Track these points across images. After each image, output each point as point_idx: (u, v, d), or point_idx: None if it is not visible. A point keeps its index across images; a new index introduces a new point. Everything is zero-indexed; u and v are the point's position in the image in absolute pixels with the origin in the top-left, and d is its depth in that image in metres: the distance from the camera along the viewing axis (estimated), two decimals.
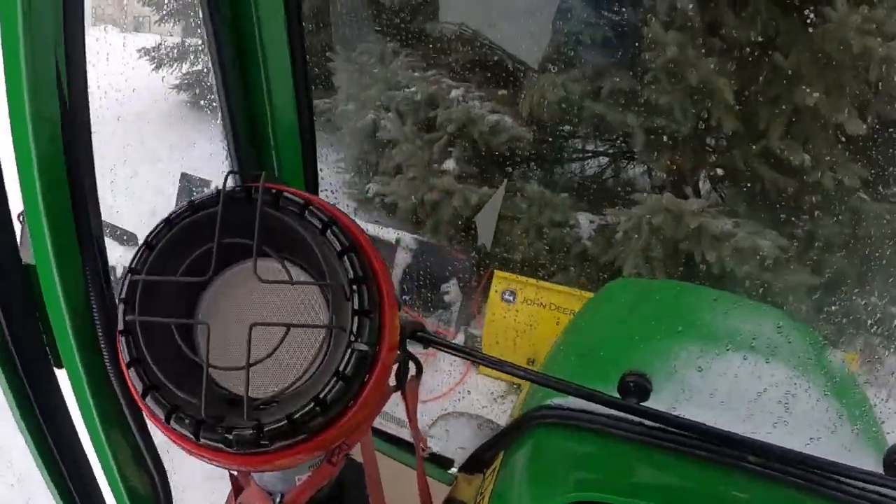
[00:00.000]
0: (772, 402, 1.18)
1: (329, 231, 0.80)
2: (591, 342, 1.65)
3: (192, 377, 0.79)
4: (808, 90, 4.66)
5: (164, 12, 9.84)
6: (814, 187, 4.86)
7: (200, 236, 0.80)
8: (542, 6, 5.26)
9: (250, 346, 0.75)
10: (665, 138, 4.95)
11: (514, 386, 4.80)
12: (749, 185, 4.99)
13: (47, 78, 0.76)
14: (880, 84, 4.71)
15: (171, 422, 0.78)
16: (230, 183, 0.80)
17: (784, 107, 4.82)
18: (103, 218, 0.89)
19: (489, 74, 5.92)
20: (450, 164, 5.57)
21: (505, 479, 1.21)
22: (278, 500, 1.07)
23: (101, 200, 0.98)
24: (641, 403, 1.10)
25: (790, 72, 4.76)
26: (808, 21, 4.72)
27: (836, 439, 1.17)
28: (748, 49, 4.88)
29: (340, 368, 0.77)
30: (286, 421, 0.76)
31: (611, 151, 6.32)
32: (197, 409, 0.77)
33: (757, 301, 3.17)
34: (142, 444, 1.05)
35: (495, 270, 5.03)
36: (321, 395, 0.77)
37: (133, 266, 0.80)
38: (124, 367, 0.79)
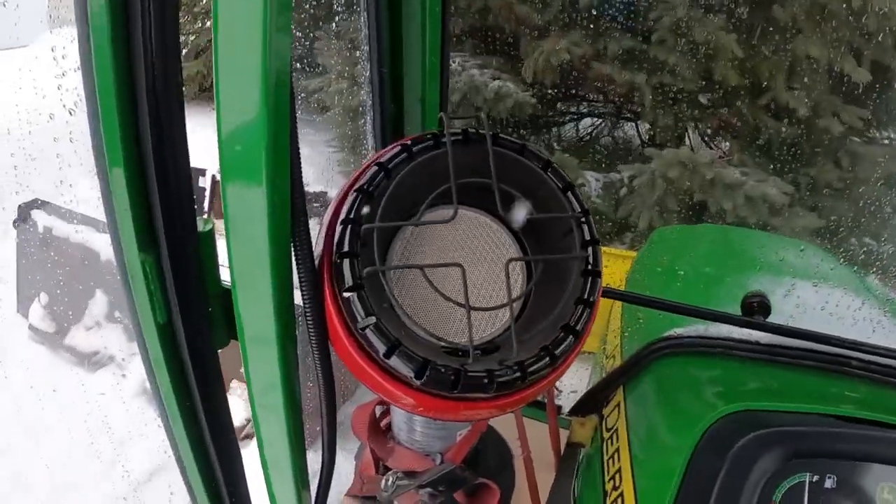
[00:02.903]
0: (863, 311, 1.33)
1: (549, 170, 0.78)
2: (668, 285, 1.69)
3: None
4: (806, 41, 4.72)
5: None
6: (816, 135, 4.93)
7: (417, 182, 0.76)
8: None
9: (509, 283, 0.72)
10: (675, 93, 5.01)
11: None
12: (754, 136, 5.06)
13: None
14: (880, 35, 4.80)
15: (426, 374, 0.70)
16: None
17: (784, 59, 4.89)
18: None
19: (488, 42, 5.89)
20: None
21: (636, 413, 1.23)
22: (439, 460, 1.03)
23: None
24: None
25: (789, 24, 4.82)
26: None
27: None
28: (748, 4, 4.92)
29: (585, 297, 0.74)
30: (547, 356, 0.72)
31: (612, 113, 6.34)
32: (454, 358, 0.72)
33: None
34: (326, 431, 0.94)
35: None
36: (571, 324, 0.73)
37: (352, 217, 0.73)
38: (349, 331, 0.73)
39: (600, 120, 6.62)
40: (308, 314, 0.78)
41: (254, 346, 0.84)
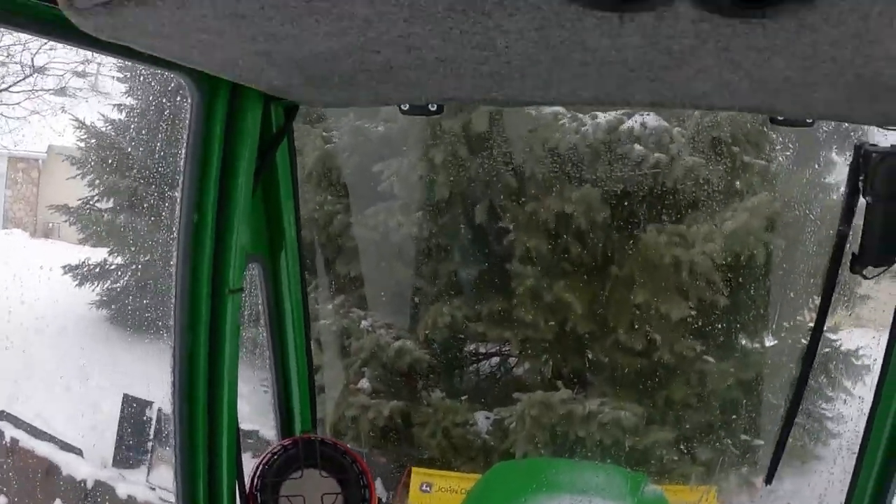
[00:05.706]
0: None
1: (348, 456, 1.65)
2: None
3: None
4: (639, 291, 6.04)
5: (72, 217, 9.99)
6: (660, 362, 6.13)
7: (287, 463, 1.62)
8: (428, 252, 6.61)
9: None
10: (537, 344, 6.23)
11: None
12: (607, 370, 6.21)
13: None
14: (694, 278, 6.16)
15: None
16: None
17: (625, 306, 6.17)
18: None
19: (394, 307, 7.08)
20: (364, 384, 6.60)
21: None
22: None
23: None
24: None
25: (626, 278, 6.16)
26: (632, 241, 6.22)
27: None
28: (592, 266, 6.30)
29: None
30: None
31: (496, 357, 7.51)
32: None
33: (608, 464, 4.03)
34: None
35: (412, 467, 5.93)
36: None
37: (263, 475, 1.57)
38: None
39: (497, 360, 7.77)
40: None
41: None
